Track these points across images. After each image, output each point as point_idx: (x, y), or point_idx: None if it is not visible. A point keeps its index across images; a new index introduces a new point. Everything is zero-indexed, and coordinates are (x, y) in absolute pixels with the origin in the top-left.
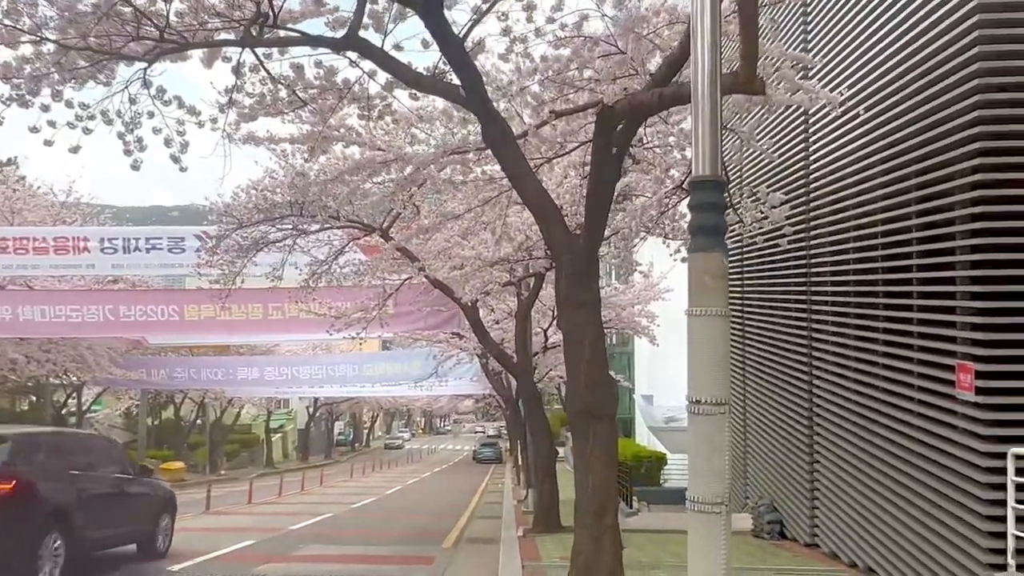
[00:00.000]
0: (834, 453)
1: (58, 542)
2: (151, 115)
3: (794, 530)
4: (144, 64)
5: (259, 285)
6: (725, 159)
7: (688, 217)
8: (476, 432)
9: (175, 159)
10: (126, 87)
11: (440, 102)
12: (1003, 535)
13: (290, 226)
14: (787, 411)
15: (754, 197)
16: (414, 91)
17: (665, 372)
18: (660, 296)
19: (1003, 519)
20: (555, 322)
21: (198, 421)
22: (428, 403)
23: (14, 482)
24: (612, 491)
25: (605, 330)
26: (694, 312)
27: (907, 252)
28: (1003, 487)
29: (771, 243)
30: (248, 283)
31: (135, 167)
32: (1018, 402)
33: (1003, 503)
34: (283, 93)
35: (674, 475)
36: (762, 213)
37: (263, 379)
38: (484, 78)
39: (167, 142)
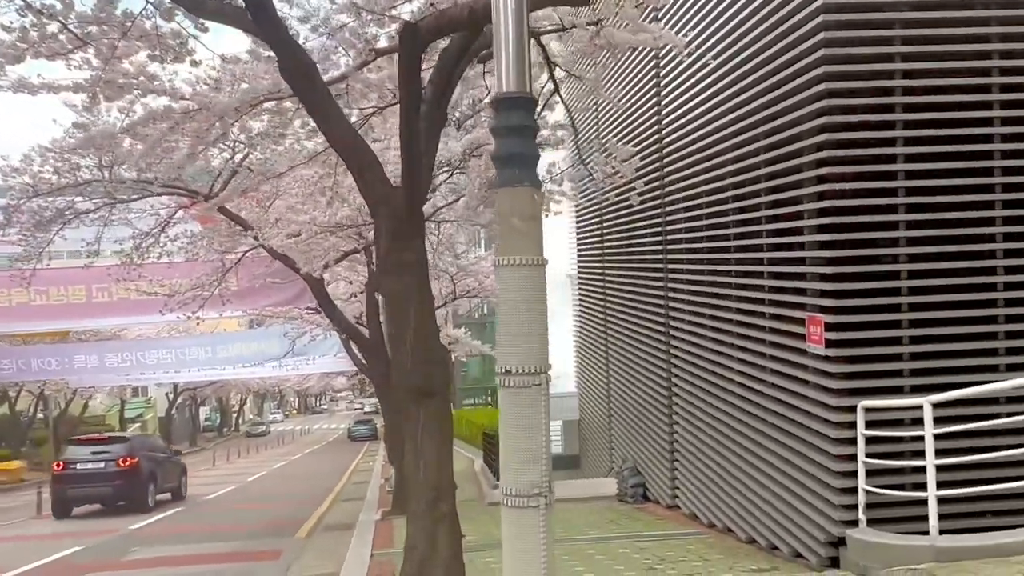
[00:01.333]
0: (691, 413)
1: (152, 487)
2: None
3: (657, 492)
4: None
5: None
6: (574, 111)
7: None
8: (354, 409)
9: None
10: None
11: (247, 42)
12: (855, 491)
13: (102, 192)
14: (647, 372)
15: (605, 151)
16: (201, 21)
17: None
18: None
19: (855, 474)
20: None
21: (39, 415)
22: (299, 383)
23: (137, 459)
24: (447, 476)
25: (469, 298)
26: (502, 262)
27: (756, 204)
28: (855, 441)
29: (625, 200)
30: (67, 263)
31: None
32: (868, 353)
33: (855, 458)
34: (53, 27)
35: None
36: (613, 168)
37: (104, 366)
38: (293, 13)
39: None
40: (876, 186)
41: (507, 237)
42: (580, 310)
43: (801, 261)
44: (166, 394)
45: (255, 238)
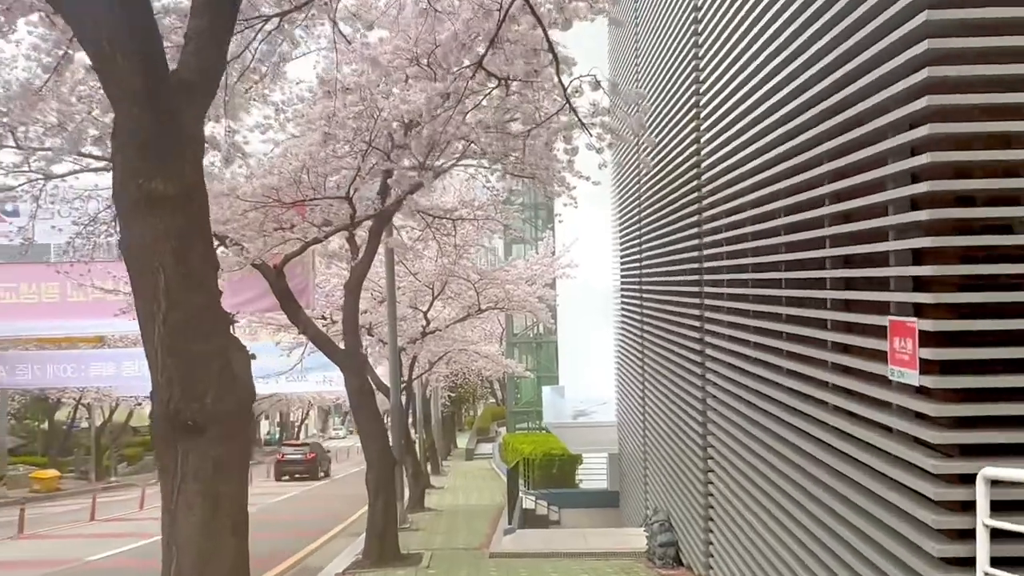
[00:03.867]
0: (730, 462)
1: (319, 469)
2: None
3: (689, 556)
4: None
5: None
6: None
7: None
8: None
9: None
10: None
11: None
12: None
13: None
14: (681, 407)
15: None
16: None
17: (577, 360)
18: (564, 273)
19: None
20: (434, 302)
21: (83, 424)
22: None
23: (314, 454)
24: (220, 571)
25: (495, 310)
26: None
27: (816, 155)
28: (969, 535)
29: (661, 204)
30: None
31: None
32: (994, 385)
33: (969, 563)
34: None
35: (593, 475)
36: (616, 119)
37: (121, 375)
38: None
39: None
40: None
41: None
42: (621, 332)
43: (883, 235)
44: None
45: None
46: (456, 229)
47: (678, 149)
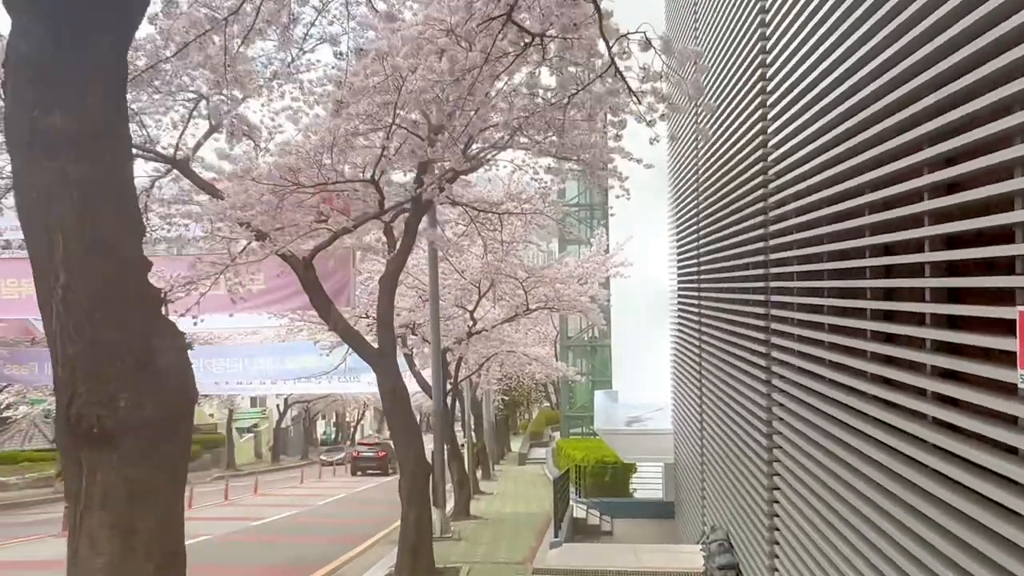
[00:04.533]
0: (798, 478)
1: (389, 466)
2: None
3: None
4: None
5: None
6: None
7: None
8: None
9: None
10: None
11: None
12: None
13: None
14: (742, 416)
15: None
16: None
17: (631, 364)
18: (617, 272)
19: None
20: (480, 300)
21: None
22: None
23: (384, 452)
24: None
25: (545, 309)
26: None
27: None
28: None
29: (721, 201)
30: None
31: None
32: None
33: None
34: None
35: (648, 484)
36: (671, 85)
37: None
38: None
39: None
40: None
41: None
42: (677, 334)
43: (1007, 205)
44: (276, 406)
45: (220, 197)
46: (503, 224)
47: (741, 120)
